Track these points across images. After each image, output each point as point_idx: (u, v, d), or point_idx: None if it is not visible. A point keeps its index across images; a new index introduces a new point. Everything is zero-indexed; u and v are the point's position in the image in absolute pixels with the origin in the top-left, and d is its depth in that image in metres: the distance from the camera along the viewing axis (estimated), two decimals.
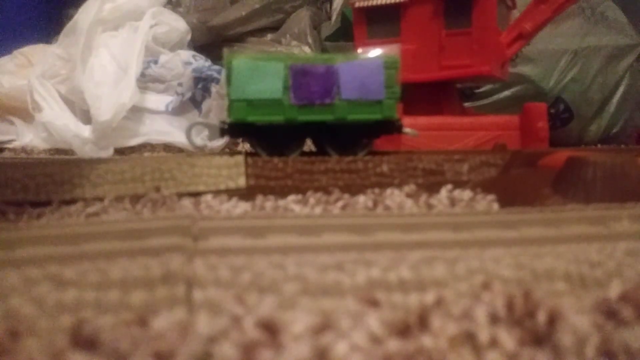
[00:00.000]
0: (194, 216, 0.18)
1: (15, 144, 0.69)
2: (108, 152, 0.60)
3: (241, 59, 0.29)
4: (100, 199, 0.24)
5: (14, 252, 0.15)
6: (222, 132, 0.30)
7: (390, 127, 0.31)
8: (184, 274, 0.14)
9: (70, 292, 0.13)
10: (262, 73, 0.29)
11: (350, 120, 0.30)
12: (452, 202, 0.25)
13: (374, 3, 0.56)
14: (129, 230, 0.17)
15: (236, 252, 0.16)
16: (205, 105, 0.65)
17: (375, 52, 0.32)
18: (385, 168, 0.28)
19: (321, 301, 0.13)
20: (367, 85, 0.29)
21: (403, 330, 0.12)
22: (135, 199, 0.25)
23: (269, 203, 0.24)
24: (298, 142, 0.31)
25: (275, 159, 0.28)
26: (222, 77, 0.29)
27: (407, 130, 0.33)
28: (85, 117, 0.63)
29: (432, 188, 0.27)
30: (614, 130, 0.80)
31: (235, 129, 0.30)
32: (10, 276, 0.14)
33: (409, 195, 0.26)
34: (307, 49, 0.82)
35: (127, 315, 0.12)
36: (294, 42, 0.85)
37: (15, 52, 0.80)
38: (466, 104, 0.74)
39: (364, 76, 0.29)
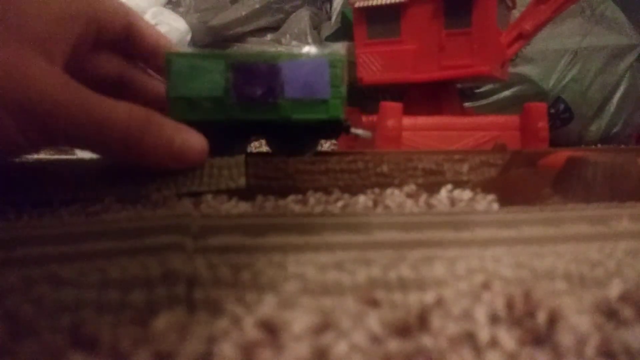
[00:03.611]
0: (193, 215, 0.18)
1: None
2: None
3: (180, 56, 0.28)
4: (101, 199, 0.24)
5: (14, 252, 0.15)
6: None
7: (337, 127, 0.30)
8: (184, 273, 0.14)
9: (69, 291, 0.13)
10: (202, 71, 0.27)
11: (295, 119, 0.28)
12: (452, 202, 0.25)
13: (374, 3, 0.56)
14: (129, 229, 0.17)
15: (236, 250, 0.16)
16: None
17: (321, 51, 0.32)
18: (385, 168, 0.28)
19: (321, 300, 0.13)
20: (312, 84, 0.28)
21: (403, 330, 0.12)
22: (136, 199, 0.25)
23: (269, 203, 0.24)
24: (242, 142, 0.30)
25: (276, 159, 0.28)
26: None
27: (357, 131, 0.31)
28: None
29: (432, 188, 0.27)
30: (614, 130, 0.80)
31: None
32: (10, 276, 0.14)
33: (409, 195, 0.26)
34: (307, 49, 0.82)
35: (127, 315, 0.12)
36: (294, 42, 0.85)
37: None
38: (466, 104, 0.74)
39: (309, 75, 0.28)
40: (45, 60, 0.22)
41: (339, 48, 0.74)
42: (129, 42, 0.30)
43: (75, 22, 0.25)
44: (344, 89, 0.29)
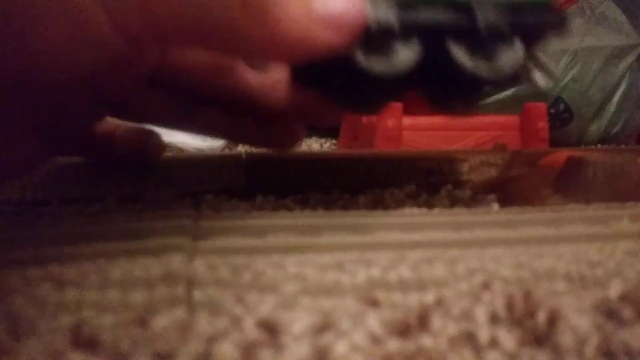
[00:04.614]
0: (193, 216, 0.18)
1: None
2: None
3: None
4: (101, 199, 0.24)
5: (14, 252, 0.15)
6: None
7: (543, 16, 0.19)
8: (184, 274, 0.14)
9: (70, 292, 0.13)
10: None
11: None
12: (452, 202, 0.25)
13: None
14: (129, 230, 0.17)
15: (236, 251, 0.16)
16: None
17: None
18: (385, 168, 0.28)
19: (321, 301, 0.13)
20: None
21: (403, 330, 0.12)
22: (136, 198, 0.25)
23: (269, 203, 0.24)
24: (411, 41, 0.19)
25: (276, 158, 0.28)
26: None
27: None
28: None
29: (432, 188, 0.27)
30: (614, 130, 0.80)
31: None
32: (10, 277, 0.14)
33: (409, 195, 0.26)
34: None
35: (127, 315, 0.13)
36: None
37: None
38: None
39: None
40: None
41: None
42: None
43: None
44: None
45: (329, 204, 0.24)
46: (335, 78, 0.19)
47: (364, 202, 0.25)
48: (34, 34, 0.15)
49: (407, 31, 0.19)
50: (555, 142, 0.69)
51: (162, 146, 0.26)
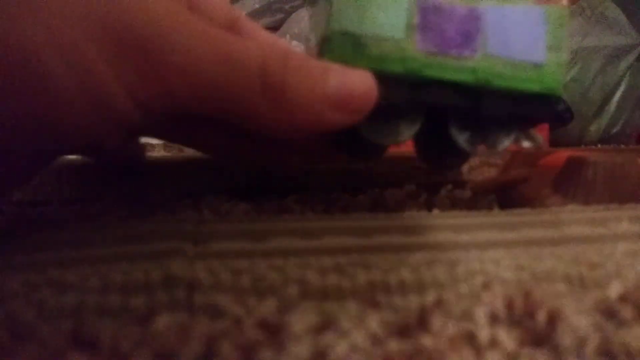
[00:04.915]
0: (194, 219, 0.18)
1: None
2: None
3: None
4: (101, 199, 0.24)
5: (15, 257, 0.15)
6: None
7: (549, 108, 0.21)
8: (185, 278, 0.14)
9: (70, 296, 0.13)
10: (378, 0, 0.19)
11: (495, 86, 0.20)
12: (452, 202, 0.25)
13: None
14: (130, 234, 0.17)
15: (237, 255, 0.15)
16: None
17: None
18: (385, 168, 0.28)
19: (322, 304, 0.13)
20: (521, 41, 0.20)
21: (403, 331, 0.12)
22: (136, 198, 0.25)
23: (269, 203, 0.24)
24: (410, 121, 0.20)
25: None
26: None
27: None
28: None
29: (432, 188, 0.27)
30: (614, 130, 0.80)
31: None
32: (12, 281, 0.14)
33: (409, 195, 0.26)
34: None
35: (127, 319, 0.13)
36: (294, 42, 0.85)
37: None
38: None
39: (518, 28, 0.20)
40: None
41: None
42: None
43: None
44: (564, 55, 0.20)
45: (329, 204, 0.25)
46: (340, 138, 0.20)
47: (364, 202, 0.25)
48: (52, 107, 0.14)
49: (413, 108, 0.20)
50: (555, 142, 0.69)
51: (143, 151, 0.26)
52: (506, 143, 0.21)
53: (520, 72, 0.20)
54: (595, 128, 0.79)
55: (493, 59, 0.20)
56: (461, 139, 0.21)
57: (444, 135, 0.21)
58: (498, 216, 0.20)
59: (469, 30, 0.20)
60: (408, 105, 0.20)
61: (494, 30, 0.20)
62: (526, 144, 0.21)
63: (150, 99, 0.15)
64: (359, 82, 0.18)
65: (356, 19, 0.19)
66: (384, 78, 0.19)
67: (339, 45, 0.19)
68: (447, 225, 0.18)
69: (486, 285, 0.14)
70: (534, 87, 0.20)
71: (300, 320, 0.12)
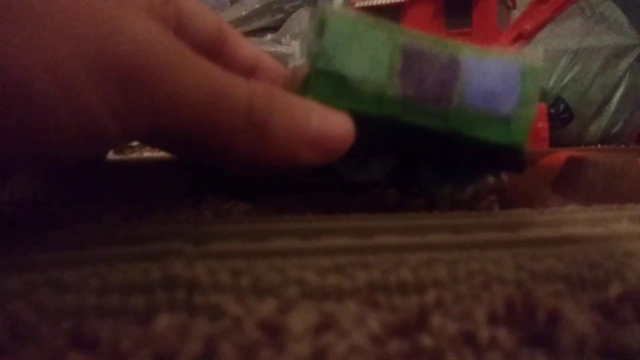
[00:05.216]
0: (194, 220, 0.18)
1: None
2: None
3: (341, 17, 0.20)
4: (101, 199, 0.24)
5: (15, 258, 0.15)
6: None
7: (513, 158, 0.22)
8: (184, 278, 0.14)
9: (70, 296, 0.13)
10: (365, 43, 0.20)
11: (468, 136, 0.20)
12: (452, 202, 0.25)
13: (374, 3, 0.56)
14: (129, 234, 0.17)
15: (237, 255, 0.16)
16: None
17: (510, 51, 0.23)
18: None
19: (322, 305, 0.13)
20: (496, 93, 0.21)
21: (403, 330, 0.12)
22: (136, 199, 0.25)
23: (269, 203, 0.24)
24: (382, 160, 0.21)
25: None
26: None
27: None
28: None
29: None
30: (614, 130, 0.80)
31: None
32: (11, 281, 0.14)
33: (409, 195, 0.26)
34: None
35: (127, 319, 0.13)
36: (294, 42, 0.85)
37: None
38: None
39: (494, 81, 0.21)
40: (151, 18, 0.17)
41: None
42: (219, 50, 0.25)
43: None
44: (533, 110, 0.21)
45: (328, 204, 0.25)
46: (316, 173, 0.21)
47: (364, 202, 0.25)
48: (39, 125, 0.15)
49: (386, 149, 0.21)
50: (555, 142, 0.69)
51: None
52: (471, 188, 0.23)
53: (491, 124, 0.21)
54: (595, 128, 0.79)
55: (466, 109, 0.20)
56: (429, 180, 0.22)
57: (414, 175, 0.22)
58: (498, 216, 0.20)
59: (448, 79, 0.20)
60: (381, 146, 0.21)
61: (471, 82, 0.21)
62: (491, 180, 0.23)
63: (135, 126, 0.16)
64: (338, 125, 0.19)
65: (342, 60, 0.19)
66: (360, 118, 0.19)
67: (322, 83, 0.19)
68: (447, 225, 0.18)
69: (486, 285, 0.14)
70: (502, 139, 0.21)
71: (300, 321, 0.12)
